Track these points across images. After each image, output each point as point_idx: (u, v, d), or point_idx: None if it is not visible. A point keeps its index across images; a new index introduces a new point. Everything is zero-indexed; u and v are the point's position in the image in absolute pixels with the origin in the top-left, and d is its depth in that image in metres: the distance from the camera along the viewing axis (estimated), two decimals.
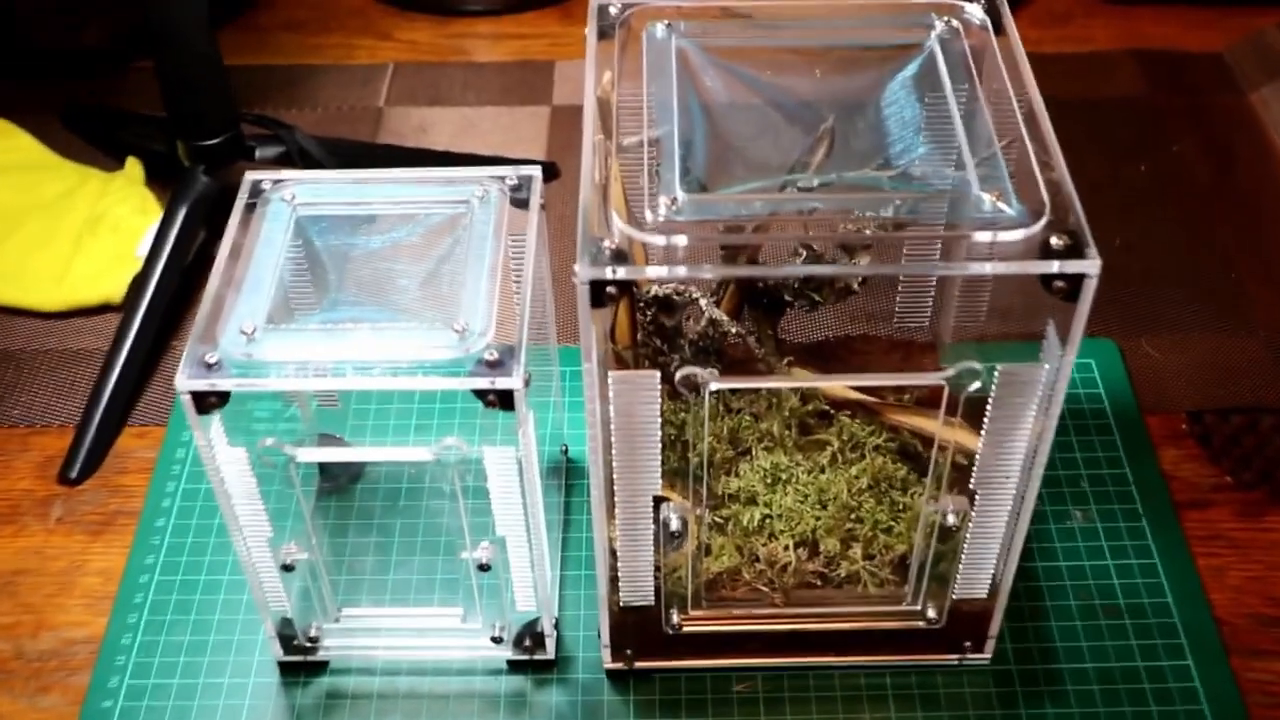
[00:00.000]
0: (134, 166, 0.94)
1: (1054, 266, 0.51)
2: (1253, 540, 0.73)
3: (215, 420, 0.57)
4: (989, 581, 0.63)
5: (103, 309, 0.87)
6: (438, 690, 0.67)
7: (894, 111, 0.58)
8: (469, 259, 0.59)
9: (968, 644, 0.66)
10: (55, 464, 0.78)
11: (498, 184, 0.62)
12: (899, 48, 0.60)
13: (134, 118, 0.99)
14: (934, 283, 0.70)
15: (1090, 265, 0.50)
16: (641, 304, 0.67)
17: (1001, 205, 0.52)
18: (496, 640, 0.66)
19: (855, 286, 0.67)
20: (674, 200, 0.52)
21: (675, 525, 0.60)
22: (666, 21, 0.60)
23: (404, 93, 1.04)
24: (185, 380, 0.55)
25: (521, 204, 0.62)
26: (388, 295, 0.60)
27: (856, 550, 0.64)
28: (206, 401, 0.56)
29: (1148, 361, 0.82)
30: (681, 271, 0.53)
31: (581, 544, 0.73)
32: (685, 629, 0.65)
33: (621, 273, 0.50)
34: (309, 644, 0.67)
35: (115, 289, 0.86)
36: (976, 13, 0.61)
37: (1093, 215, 0.76)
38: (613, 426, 0.56)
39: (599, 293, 0.51)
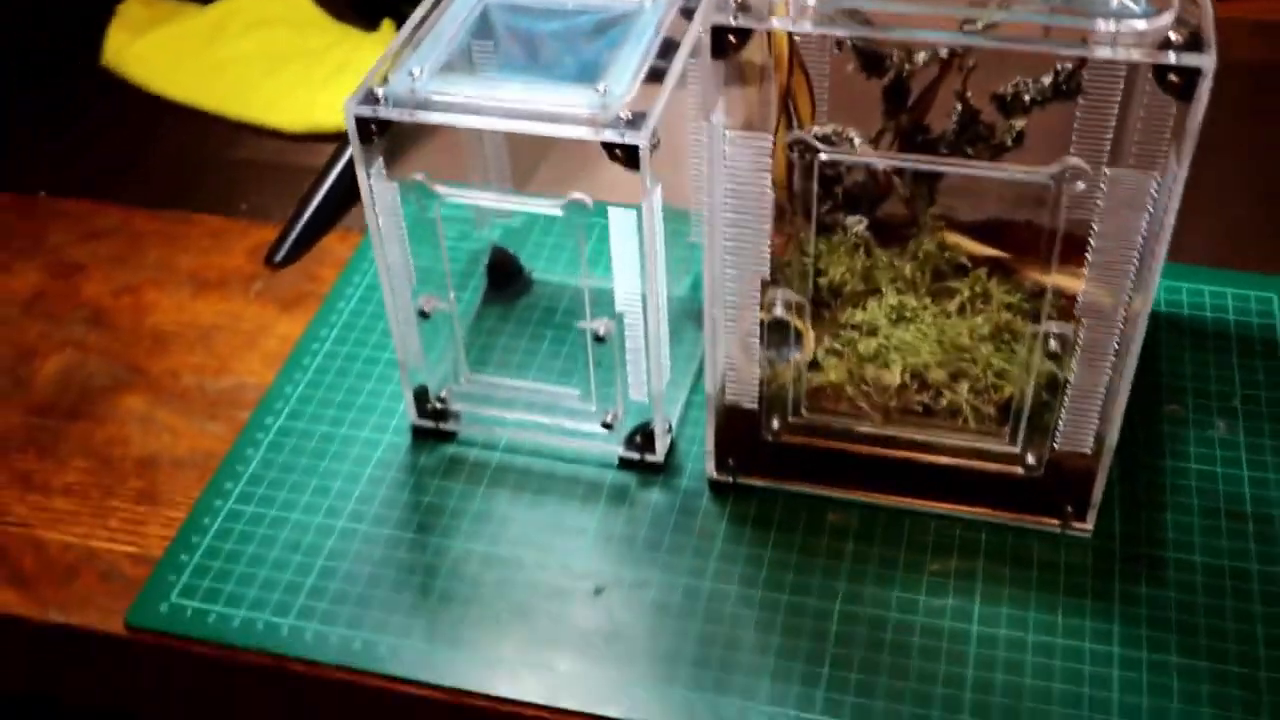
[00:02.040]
0: (388, 28, 1.03)
1: (1169, 57, 0.51)
2: None
3: (378, 162, 0.63)
4: (1092, 435, 0.62)
5: (338, 136, 0.95)
6: (548, 471, 0.71)
7: None
8: (627, 43, 0.63)
9: (1069, 508, 0.65)
10: (266, 250, 0.86)
11: None
12: None
13: None
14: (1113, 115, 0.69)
15: (1205, 60, 0.50)
16: (802, 146, 0.69)
17: (1130, 2, 0.52)
18: (607, 426, 0.69)
19: (1009, 143, 0.68)
20: None
21: (780, 311, 0.62)
22: None
23: None
24: (353, 106, 0.62)
25: (688, 13, 0.66)
26: (551, 66, 0.65)
27: (964, 385, 0.65)
28: (368, 129, 0.62)
29: None
30: (806, 26, 0.55)
31: None
32: (784, 439, 0.67)
33: (743, 20, 0.54)
34: (439, 405, 0.72)
35: None
36: None
37: None
38: (726, 195, 0.59)
39: (720, 39, 0.54)
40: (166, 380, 0.78)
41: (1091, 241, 0.56)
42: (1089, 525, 0.66)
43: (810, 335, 0.68)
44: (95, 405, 0.76)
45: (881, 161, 0.68)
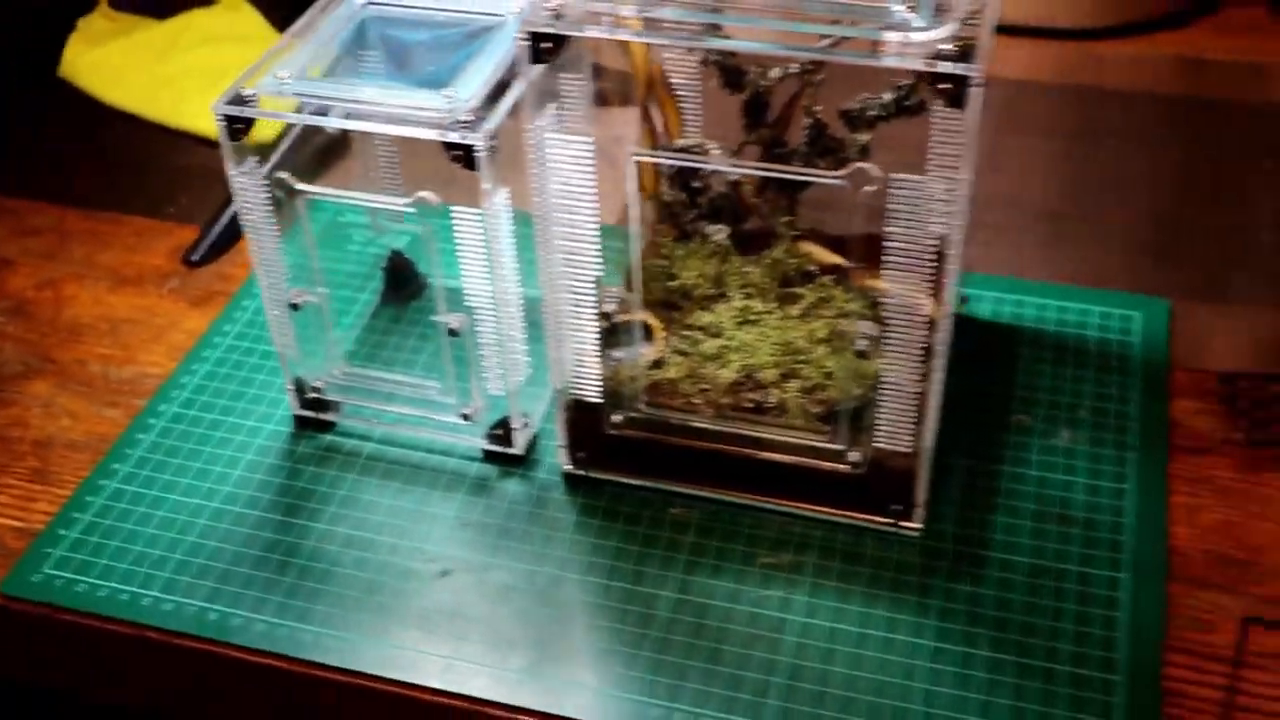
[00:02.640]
0: None
1: (940, 66, 0.54)
2: (1244, 491, 0.71)
3: (250, 158, 0.68)
4: (909, 435, 0.65)
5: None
6: (416, 462, 0.75)
7: None
8: (485, 52, 0.67)
9: (897, 507, 0.68)
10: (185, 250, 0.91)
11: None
12: None
13: None
14: None
15: (973, 69, 0.53)
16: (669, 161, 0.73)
17: (911, 15, 0.55)
18: (466, 418, 0.73)
19: (854, 156, 0.71)
20: None
21: (610, 307, 0.65)
22: None
23: None
24: (221, 106, 0.66)
25: None
26: (414, 74, 0.69)
27: (793, 385, 0.68)
28: (235, 128, 0.66)
29: (1200, 326, 0.81)
30: (622, 34, 0.58)
31: None
32: (626, 433, 0.70)
33: (557, 27, 0.57)
34: (314, 393, 0.75)
35: None
36: None
37: (1199, 197, 0.85)
38: (552, 196, 0.62)
39: (537, 46, 0.58)
40: (74, 368, 0.82)
41: (886, 244, 0.59)
42: (917, 524, 0.68)
43: (660, 334, 0.71)
44: (3, 390, 0.81)
45: (703, 166, 0.70)
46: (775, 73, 0.71)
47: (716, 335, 0.70)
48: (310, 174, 0.73)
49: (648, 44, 0.67)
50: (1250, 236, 0.87)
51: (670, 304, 0.72)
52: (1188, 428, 0.75)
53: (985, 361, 0.79)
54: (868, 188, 0.59)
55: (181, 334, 0.84)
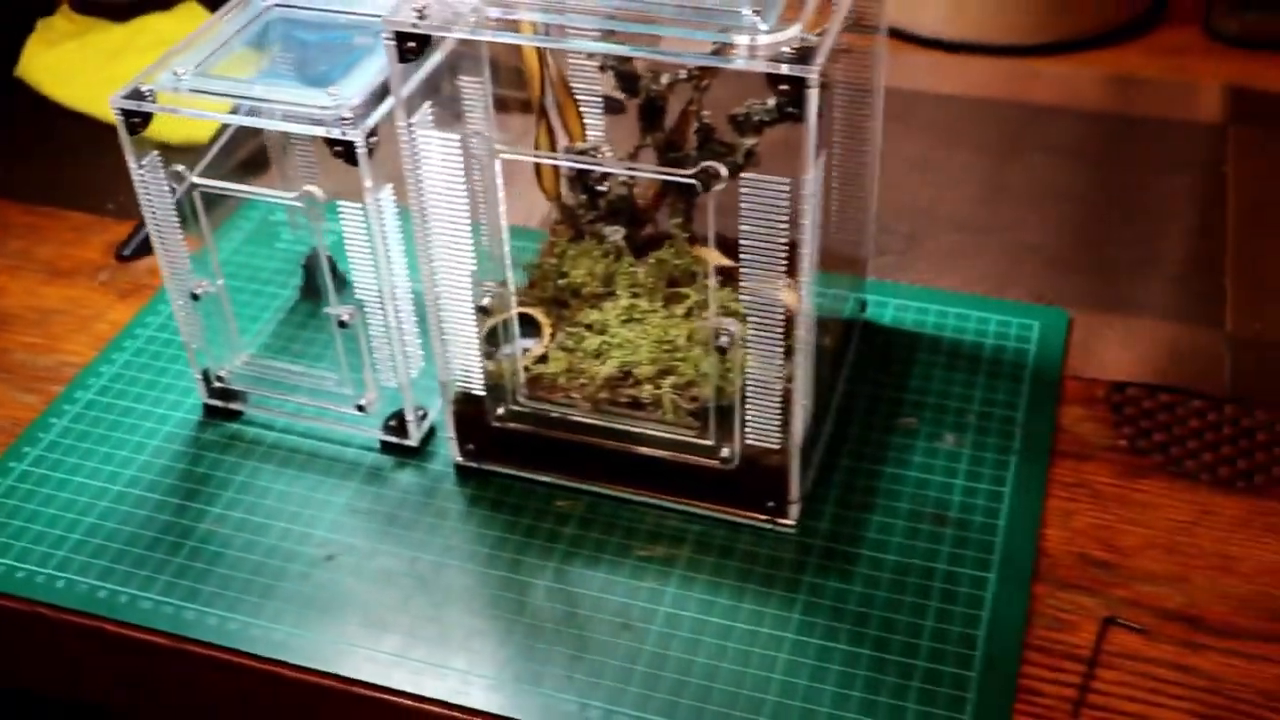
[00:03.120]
0: None
1: (779, 68, 0.55)
2: (1119, 496, 0.72)
3: (152, 152, 0.70)
4: (779, 431, 0.66)
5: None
6: (314, 451, 0.76)
7: None
8: (378, 53, 0.69)
9: (771, 504, 0.69)
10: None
11: None
12: None
13: None
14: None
15: (810, 70, 0.55)
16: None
17: (757, 19, 0.57)
18: (361, 409, 0.75)
19: (742, 160, 0.72)
20: None
21: (486, 301, 0.67)
22: None
23: None
24: (118, 100, 0.68)
25: None
26: (309, 73, 0.71)
27: (668, 381, 0.69)
28: (133, 122, 0.69)
29: (1098, 336, 0.82)
30: (482, 34, 0.60)
31: None
32: (509, 426, 0.71)
33: (423, 28, 0.59)
34: (219, 382, 0.77)
35: None
36: None
37: (1113, 212, 0.88)
38: (426, 193, 0.64)
39: (402, 45, 0.60)
40: None
41: (741, 242, 0.61)
42: (791, 521, 0.70)
43: (547, 330, 0.73)
44: None
45: (558, 163, 0.72)
46: (665, 78, 0.73)
47: (602, 332, 0.72)
48: (247, 173, 0.75)
49: (520, 44, 0.69)
50: (1156, 250, 0.88)
51: (561, 301, 0.74)
52: (1073, 434, 0.76)
53: (882, 366, 0.80)
54: (717, 186, 0.60)
55: (106, 324, 0.87)
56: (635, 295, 0.73)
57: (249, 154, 0.79)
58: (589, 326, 0.73)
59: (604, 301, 0.73)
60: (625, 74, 0.75)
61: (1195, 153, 0.97)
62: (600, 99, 0.78)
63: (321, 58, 0.72)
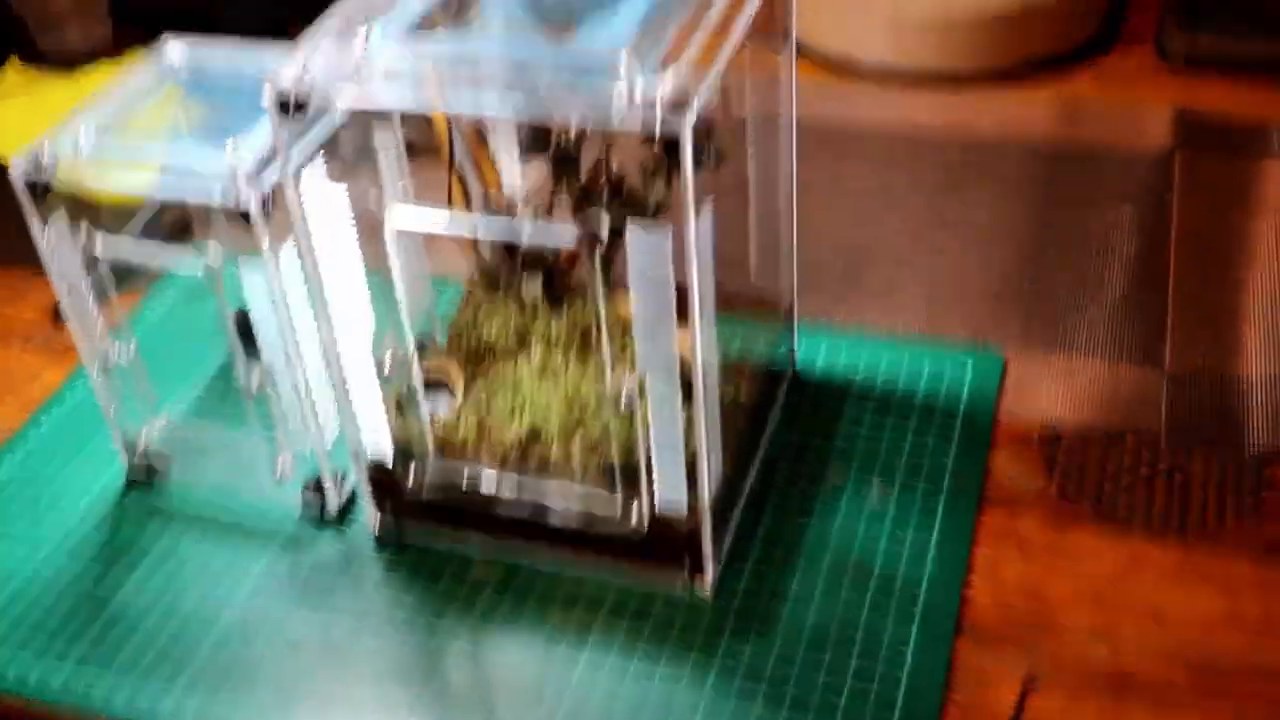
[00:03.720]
0: None
1: (654, 121, 0.54)
2: (1048, 544, 0.70)
3: (59, 219, 0.69)
4: (686, 489, 0.65)
5: None
6: (233, 519, 0.76)
7: (625, 8, 0.61)
8: None
9: (686, 565, 0.68)
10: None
11: None
12: None
13: None
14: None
15: (682, 122, 0.53)
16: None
17: (633, 72, 0.56)
18: (276, 476, 0.74)
19: (653, 209, 0.71)
20: (367, 41, 0.59)
21: (386, 364, 0.66)
22: None
23: None
24: (19, 170, 0.68)
25: None
26: (216, 131, 0.70)
27: (577, 442, 0.68)
28: (34, 191, 0.68)
29: (1033, 376, 0.80)
30: (367, 96, 0.59)
31: None
32: (423, 495, 0.70)
33: (304, 90, 0.58)
34: (138, 449, 0.77)
35: None
36: None
37: (1054, 246, 0.87)
38: (318, 252, 0.63)
39: (284, 105, 0.59)
40: None
41: (631, 295, 0.59)
42: (708, 583, 0.68)
43: (460, 390, 0.72)
44: None
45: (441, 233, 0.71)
46: (574, 130, 0.72)
47: (515, 390, 0.71)
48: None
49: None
50: (1095, 286, 0.87)
51: (475, 359, 0.73)
52: (1001, 481, 0.74)
53: (810, 415, 0.79)
54: (598, 248, 0.59)
55: (38, 388, 0.86)
56: (549, 350, 0.72)
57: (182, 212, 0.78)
58: (502, 385, 0.71)
59: (518, 358, 0.72)
60: (534, 127, 0.74)
61: (1140, 181, 0.95)
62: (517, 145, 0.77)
63: (229, 115, 0.71)
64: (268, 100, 0.59)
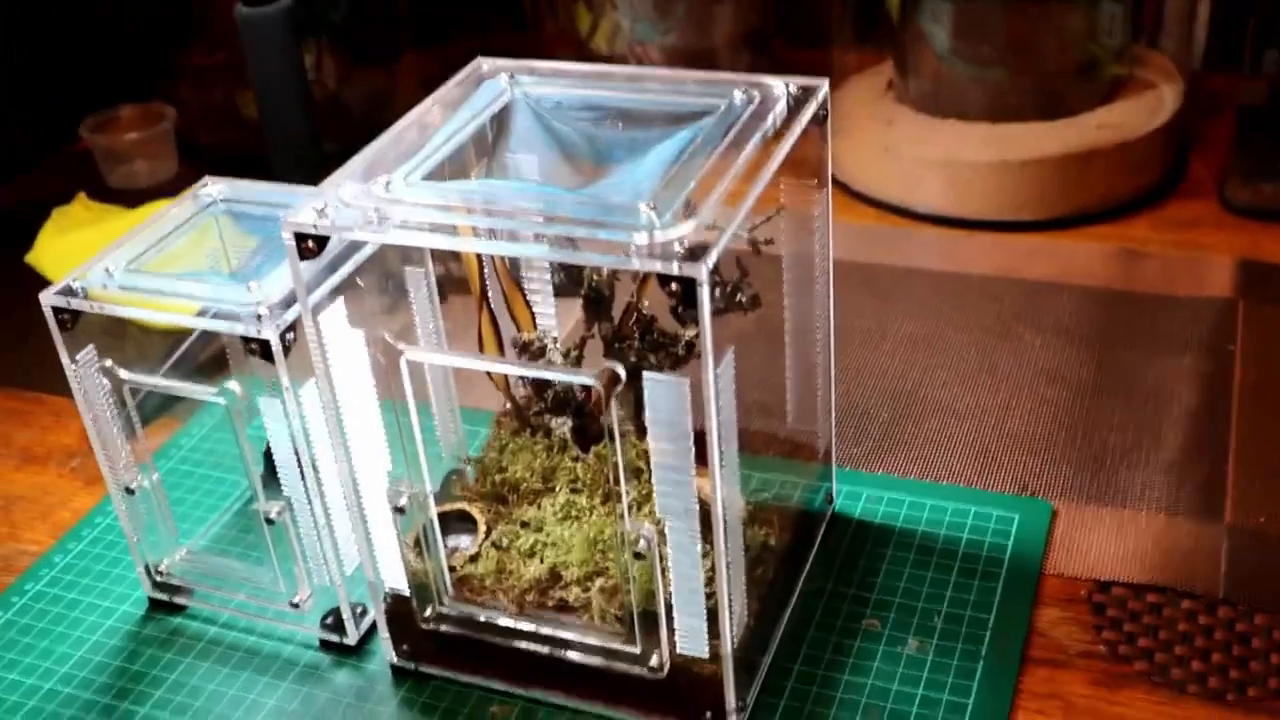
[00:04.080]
0: None
1: (671, 268, 0.53)
2: (1094, 709, 0.66)
3: (87, 349, 0.69)
4: (708, 638, 0.62)
5: None
6: (252, 648, 0.74)
7: (655, 150, 0.61)
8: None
9: (709, 714, 0.65)
10: None
11: None
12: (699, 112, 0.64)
13: None
14: None
15: (699, 269, 0.52)
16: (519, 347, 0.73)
17: (654, 216, 0.55)
18: (295, 606, 0.72)
19: (681, 352, 0.70)
20: (388, 182, 0.59)
21: (402, 501, 0.65)
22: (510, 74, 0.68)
23: None
24: (49, 298, 0.68)
25: None
26: (245, 267, 0.71)
27: (596, 584, 0.66)
28: (61, 319, 0.68)
29: (1083, 529, 0.77)
30: (384, 235, 0.59)
31: None
32: (438, 628, 0.68)
33: (322, 229, 0.58)
34: (160, 575, 0.76)
35: None
36: (779, 88, 0.64)
37: (1110, 394, 0.86)
38: (337, 389, 0.62)
39: (301, 242, 0.59)
40: None
41: (649, 441, 0.58)
42: None
43: (483, 527, 0.70)
44: None
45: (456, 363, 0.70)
46: (606, 270, 0.71)
47: (538, 530, 0.69)
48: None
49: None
50: (1153, 436, 0.83)
51: (500, 497, 0.72)
52: (1049, 638, 0.70)
53: (848, 563, 0.76)
54: (616, 389, 0.58)
55: (68, 512, 0.86)
56: (575, 491, 0.70)
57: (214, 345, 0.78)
58: (525, 524, 0.70)
59: (543, 498, 0.71)
60: (567, 266, 0.74)
61: (1201, 330, 0.92)
62: (551, 285, 0.77)
63: (261, 251, 0.72)
64: (285, 237, 0.59)
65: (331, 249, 0.60)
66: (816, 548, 0.76)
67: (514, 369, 0.69)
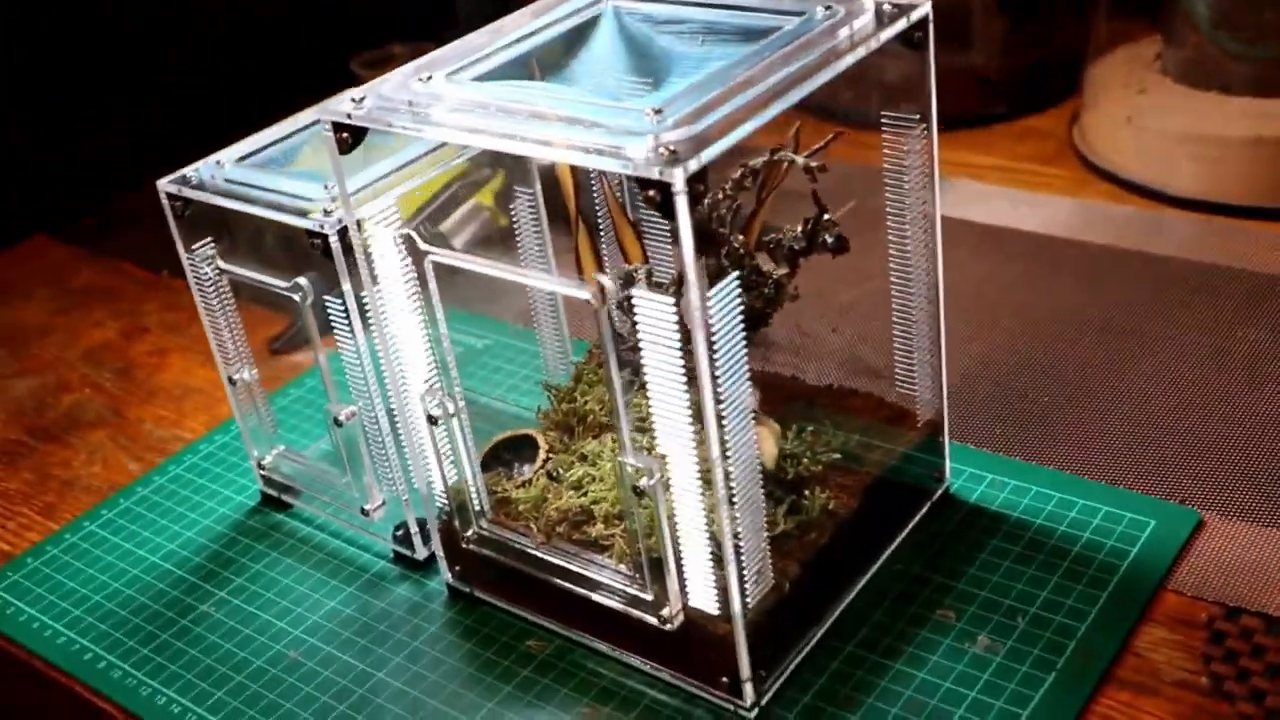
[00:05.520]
0: None
1: (652, 172, 0.49)
2: None
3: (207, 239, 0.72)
4: (719, 595, 0.58)
5: None
6: (334, 552, 0.75)
7: (712, 63, 0.57)
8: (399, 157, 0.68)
9: (723, 679, 0.60)
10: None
11: None
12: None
13: None
14: None
15: (676, 174, 0.48)
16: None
17: (654, 121, 0.51)
18: (365, 513, 0.73)
19: (771, 291, 0.65)
20: (429, 77, 0.58)
21: (435, 411, 0.63)
22: None
23: None
24: (164, 184, 0.71)
25: None
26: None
27: (620, 525, 0.62)
28: (175, 204, 0.71)
29: (1219, 545, 0.66)
30: (418, 129, 0.57)
31: None
32: (474, 549, 0.67)
33: (357, 119, 0.58)
34: (263, 471, 0.78)
35: None
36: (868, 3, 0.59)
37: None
38: (379, 293, 0.62)
39: (340, 133, 0.58)
40: (132, 425, 0.90)
41: (644, 368, 0.54)
42: (746, 703, 0.60)
43: (542, 454, 0.68)
44: (70, 434, 0.90)
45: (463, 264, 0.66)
46: (706, 202, 0.67)
47: (593, 464, 0.66)
48: None
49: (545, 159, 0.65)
50: None
51: (568, 427, 0.69)
52: (1145, 659, 0.61)
53: (945, 547, 0.69)
54: (611, 302, 0.54)
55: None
56: (640, 430, 0.67)
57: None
58: (584, 456, 0.67)
59: (608, 433, 0.68)
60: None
61: None
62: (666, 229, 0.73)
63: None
64: (324, 131, 0.59)
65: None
66: (913, 527, 0.70)
67: (514, 274, 0.66)
